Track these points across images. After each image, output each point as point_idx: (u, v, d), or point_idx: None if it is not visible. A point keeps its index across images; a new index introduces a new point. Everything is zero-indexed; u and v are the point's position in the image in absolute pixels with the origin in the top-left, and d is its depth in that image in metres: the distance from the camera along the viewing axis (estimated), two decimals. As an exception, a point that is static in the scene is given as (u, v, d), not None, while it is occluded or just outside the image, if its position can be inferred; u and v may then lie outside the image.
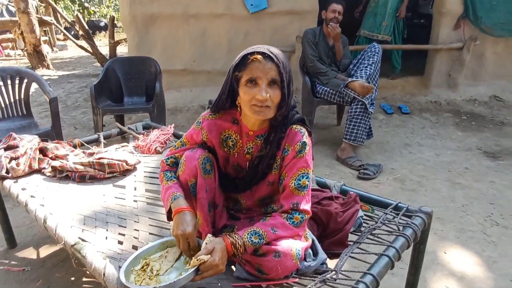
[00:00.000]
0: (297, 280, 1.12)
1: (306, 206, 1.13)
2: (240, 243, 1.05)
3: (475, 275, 1.78)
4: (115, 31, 7.56)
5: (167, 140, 2.21)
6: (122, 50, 10.17)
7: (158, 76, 3.31)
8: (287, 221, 1.11)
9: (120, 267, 1.16)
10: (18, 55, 9.22)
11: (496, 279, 1.76)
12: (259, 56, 1.06)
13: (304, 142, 1.14)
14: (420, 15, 6.87)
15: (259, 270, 1.08)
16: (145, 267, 1.14)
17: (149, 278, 1.09)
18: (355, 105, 2.96)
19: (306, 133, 1.17)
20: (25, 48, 7.28)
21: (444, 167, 2.93)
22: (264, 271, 1.07)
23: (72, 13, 22.74)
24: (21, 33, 7.02)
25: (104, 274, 1.13)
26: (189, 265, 1.05)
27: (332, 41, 3.21)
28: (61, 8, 20.20)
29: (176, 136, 2.31)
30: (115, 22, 8.27)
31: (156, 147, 2.14)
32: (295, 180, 1.13)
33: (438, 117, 4.06)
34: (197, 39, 4.36)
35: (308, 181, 1.13)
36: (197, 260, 1.02)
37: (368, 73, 3.01)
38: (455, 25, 4.29)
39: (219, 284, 1.18)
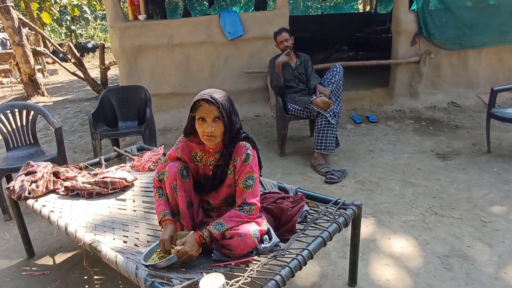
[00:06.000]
0: (256, 257, 1.55)
1: (253, 199, 1.59)
2: (206, 234, 1.53)
3: (410, 254, 2.22)
4: (104, 51, 7.99)
5: (158, 159, 2.64)
6: (112, 72, 10.61)
7: (148, 102, 3.74)
8: (239, 211, 1.58)
9: (127, 258, 1.59)
10: (12, 82, 9.60)
11: (426, 256, 2.19)
12: (203, 102, 1.53)
13: (248, 153, 1.61)
14: (390, 30, 7.44)
15: (229, 249, 1.53)
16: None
17: (158, 258, 1.59)
18: (320, 118, 3.42)
19: (250, 147, 1.64)
20: (21, 78, 7.67)
21: (399, 169, 3.39)
22: (232, 248, 1.52)
23: (59, 35, 23.25)
24: (16, 64, 7.43)
25: (116, 262, 1.55)
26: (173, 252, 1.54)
27: (295, 64, 3.70)
28: (48, 31, 20.68)
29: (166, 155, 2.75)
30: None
31: (149, 166, 2.57)
32: (243, 182, 1.61)
33: (401, 124, 4.55)
34: (182, 65, 4.82)
35: (253, 182, 1.61)
36: (175, 250, 1.53)
37: (330, 90, 3.49)
38: (411, 41, 4.83)
39: (201, 266, 1.61)
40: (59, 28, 22.07)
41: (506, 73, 5.14)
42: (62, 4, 16.81)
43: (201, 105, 1.54)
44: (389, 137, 4.17)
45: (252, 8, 10.18)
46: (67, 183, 2.30)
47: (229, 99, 1.61)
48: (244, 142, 1.64)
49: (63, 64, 8.51)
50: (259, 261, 1.52)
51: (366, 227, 2.50)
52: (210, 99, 1.53)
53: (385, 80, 5.29)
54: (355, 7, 14.55)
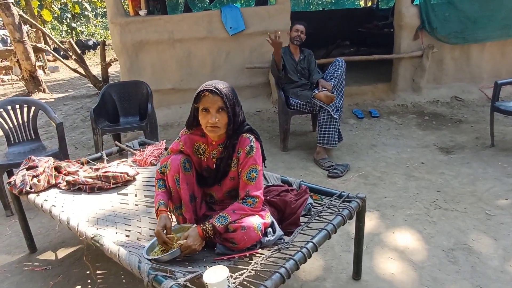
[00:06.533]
0: (259, 251, 1.53)
1: (256, 192, 1.57)
2: (209, 228, 1.51)
3: (415, 248, 2.20)
4: (105, 48, 7.97)
5: (160, 154, 2.62)
6: (113, 69, 10.59)
7: (149, 97, 3.72)
8: (242, 204, 1.56)
9: (130, 251, 1.57)
10: (13, 79, 9.59)
11: (431, 250, 2.17)
12: (207, 92, 1.51)
13: (252, 145, 1.59)
14: (391, 25, 7.41)
15: (233, 242, 1.51)
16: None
17: (161, 251, 1.57)
18: (322, 113, 3.40)
19: (254, 139, 1.62)
20: (21, 75, 7.66)
21: (403, 163, 3.36)
22: (236, 242, 1.50)
23: (60, 33, 23.21)
24: (17, 61, 7.41)
25: (118, 255, 1.53)
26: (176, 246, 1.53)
27: (298, 58, 3.68)
28: (49, 28, 20.64)
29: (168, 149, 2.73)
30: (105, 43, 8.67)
31: (151, 160, 2.55)
32: (246, 174, 1.59)
33: (403, 119, 4.52)
34: (183, 60, 4.80)
35: (256, 174, 1.59)
36: (178, 244, 1.51)
37: (332, 85, 3.47)
38: (414, 36, 4.79)
39: (204, 259, 1.59)
40: (59, 25, 22.05)
41: (509, 67, 5.09)
42: (62, 1, 16.77)
43: (205, 96, 1.52)
44: (391, 132, 4.15)
45: (253, 3, 10.13)
46: (69, 178, 2.29)
47: (232, 91, 1.60)
48: (247, 134, 1.62)
49: (64, 61, 8.49)
50: (263, 254, 1.51)
51: (370, 221, 2.48)
52: (214, 89, 1.52)
53: (387, 75, 5.25)
54: (356, 3, 14.49)
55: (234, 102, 1.58)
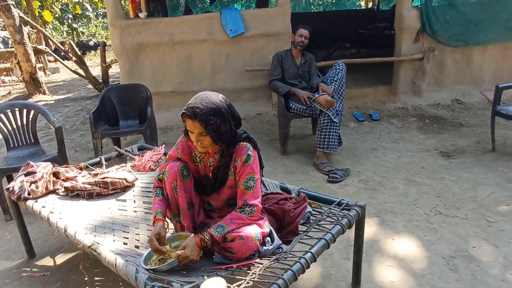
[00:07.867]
0: (258, 260, 1.52)
1: (254, 201, 1.56)
2: (207, 238, 1.50)
3: (415, 255, 2.19)
4: (105, 49, 7.97)
5: (159, 159, 2.61)
6: (113, 70, 10.59)
7: (149, 101, 3.70)
8: (240, 213, 1.55)
9: (127, 260, 1.56)
10: (13, 81, 9.60)
11: (431, 257, 2.16)
12: (185, 117, 1.50)
13: (249, 154, 1.58)
14: (392, 27, 7.39)
15: (231, 252, 1.50)
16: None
17: (158, 260, 1.56)
18: (322, 117, 3.38)
19: (251, 148, 1.60)
20: (22, 76, 7.66)
21: (403, 168, 3.35)
22: (234, 251, 1.49)
23: (61, 33, 23.25)
24: (18, 63, 7.42)
25: (116, 265, 1.52)
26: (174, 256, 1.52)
27: (299, 62, 3.67)
28: (50, 29, 20.67)
29: (167, 155, 2.72)
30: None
31: (150, 165, 2.54)
32: (244, 183, 1.57)
33: (404, 122, 4.50)
34: (183, 63, 4.79)
35: (254, 183, 1.57)
36: (176, 254, 1.50)
37: (333, 88, 3.45)
38: (414, 38, 4.77)
39: (202, 268, 1.58)
40: (60, 26, 22.09)
41: (511, 70, 5.08)
42: (63, 2, 16.77)
43: (185, 119, 1.52)
44: (392, 135, 4.13)
45: (254, 5, 10.12)
46: (67, 184, 2.28)
47: (215, 110, 1.49)
48: (244, 143, 1.61)
49: (65, 62, 8.49)
50: (261, 263, 1.49)
51: (370, 227, 2.46)
52: (192, 115, 1.47)
53: (388, 78, 5.24)
54: (357, 4, 14.46)
55: (218, 124, 1.50)
